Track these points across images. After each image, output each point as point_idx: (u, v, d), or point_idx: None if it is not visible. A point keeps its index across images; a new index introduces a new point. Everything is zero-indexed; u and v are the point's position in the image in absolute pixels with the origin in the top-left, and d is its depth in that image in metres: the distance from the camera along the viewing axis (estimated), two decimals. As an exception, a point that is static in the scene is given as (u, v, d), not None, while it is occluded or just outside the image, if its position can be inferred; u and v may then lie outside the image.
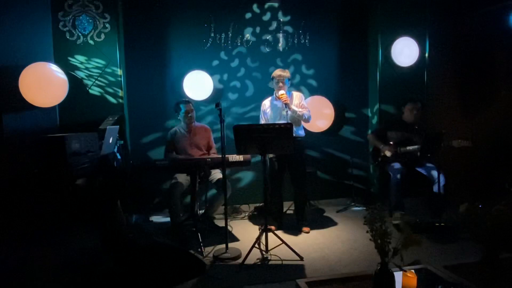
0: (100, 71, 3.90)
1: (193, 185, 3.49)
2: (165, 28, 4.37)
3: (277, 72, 3.67)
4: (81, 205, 2.98)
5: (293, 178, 3.79)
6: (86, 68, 3.89)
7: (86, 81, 3.89)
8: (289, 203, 4.25)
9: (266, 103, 3.87)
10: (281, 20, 4.63)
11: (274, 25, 4.63)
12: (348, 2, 4.79)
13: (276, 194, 3.81)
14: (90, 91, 3.89)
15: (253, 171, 4.64)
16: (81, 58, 3.87)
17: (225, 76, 4.57)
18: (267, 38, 4.62)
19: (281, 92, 3.58)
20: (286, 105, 3.53)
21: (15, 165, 3.38)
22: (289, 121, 3.62)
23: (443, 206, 3.65)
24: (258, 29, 4.58)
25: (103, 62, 3.91)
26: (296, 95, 3.81)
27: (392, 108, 4.67)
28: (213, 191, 4.02)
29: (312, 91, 4.74)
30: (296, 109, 3.63)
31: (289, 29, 4.66)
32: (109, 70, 3.92)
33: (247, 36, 4.56)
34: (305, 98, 3.98)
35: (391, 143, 3.94)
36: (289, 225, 3.86)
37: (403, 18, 4.65)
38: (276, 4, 4.58)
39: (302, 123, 3.79)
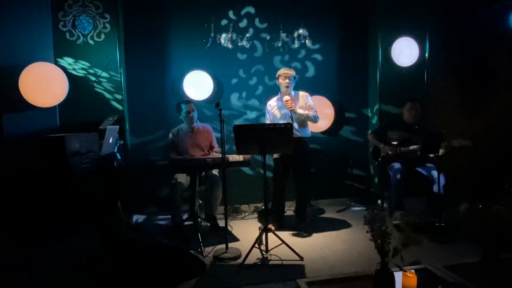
0: (100, 71, 3.90)
1: (193, 185, 3.49)
2: (165, 28, 4.37)
3: (283, 71, 3.67)
4: (81, 205, 2.98)
5: (297, 179, 3.79)
6: (86, 68, 3.89)
7: (86, 81, 3.88)
8: (289, 203, 4.26)
9: (272, 102, 3.87)
10: (280, 20, 4.62)
11: (272, 25, 4.62)
12: (348, 2, 4.79)
13: (279, 194, 3.81)
14: (90, 91, 3.89)
15: (253, 171, 4.64)
16: (81, 58, 3.87)
17: (225, 76, 4.57)
18: (267, 38, 4.61)
19: (286, 98, 3.58)
20: (291, 111, 3.53)
21: (15, 165, 3.38)
22: (295, 122, 3.64)
23: (443, 206, 3.65)
24: (257, 29, 4.58)
25: (103, 62, 3.90)
26: (302, 95, 3.80)
27: (392, 108, 4.66)
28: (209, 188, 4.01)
29: (312, 91, 4.74)
30: (301, 111, 3.63)
31: (289, 29, 4.66)
32: (109, 70, 3.92)
33: (248, 36, 4.55)
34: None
35: (396, 143, 3.93)
36: (289, 225, 3.86)
37: (403, 18, 4.65)
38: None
39: (309, 123, 3.79)
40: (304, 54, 4.74)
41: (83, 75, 3.88)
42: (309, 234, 3.65)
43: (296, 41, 4.68)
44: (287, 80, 3.64)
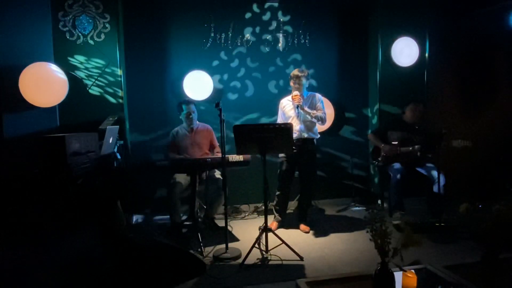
0: (100, 71, 3.90)
1: (193, 185, 3.49)
2: (165, 28, 4.37)
3: (295, 72, 3.71)
4: (81, 205, 2.98)
5: (302, 179, 3.81)
6: (86, 68, 3.89)
7: (86, 81, 3.88)
8: (291, 203, 4.25)
9: (284, 102, 3.90)
10: (281, 20, 4.62)
11: (274, 24, 4.62)
12: (348, 2, 4.79)
13: (283, 194, 3.82)
14: (90, 91, 3.89)
15: (253, 171, 4.64)
16: (81, 58, 3.87)
17: (225, 76, 4.57)
18: (267, 38, 4.61)
19: (295, 93, 3.62)
20: (298, 106, 3.56)
21: (15, 165, 3.37)
22: (302, 122, 3.67)
23: (443, 206, 3.64)
24: (258, 29, 4.58)
25: (103, 62, 3.91)
26: (314, 96, 3.82)
27: (392, 108, 4.66)
28: (213, 191, 4.02)
29: (312, 91, 4.74)
30: (309, 110, 3.65)
31: (289, 29, 4.66)
32: (109, 70, 3.92)
33: (247, 36, 4.56)
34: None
35: (396, 142, 3.92)
36: (289, 224, 3.86)
37: (403, 18, 4.65)
38: (276, 4, 4.57)
39: (317, 125, 3.81)
40: (304, 54, 4.74)
41: (83, 75, 3.88)
42: (309, 234, 3.66)
43: (296, 40, 4.68)
44: (296, 85, 3.66)
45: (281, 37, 4.65)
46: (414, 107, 4.00)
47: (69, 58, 3.84)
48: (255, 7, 4.55)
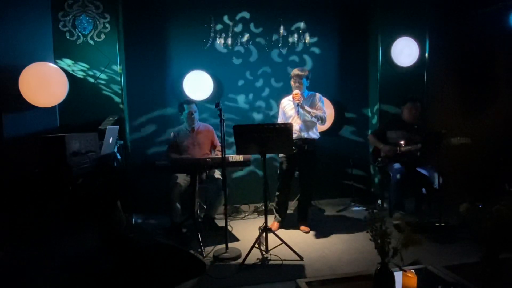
0: (100, 71, 3.90)
1: (193, 185, 3.49)
2: (165, 28, 4.37)
3: (295, 71, 3.71)
4: (81, 205, 2.98)
5: (302, 179, 3.81)
6: (86, 68, 3.89)
7: (86, 81, 3.88)
8: (291, 203, 4.25)
9: (284, 101, 3.90)
10: (280, 20, 4.62)
11: (273, 24, 4.62)
12: (348, 2, 4.79)
13: (283, 194, 3.82)
14: (90, 91, 3.89)
15: (253, 171, 4.64)
16: (80, 58, 3.87)
17: (226, 76, 4.58)
18: (267, 37, 4.61)
19: (296, 91, 3.62)
20: (298, 105, 3.57)
21: (15, 165, 3.37)
22: (302, 122, 3.67)
23: (441, 206, 3.64)
24: (258, 29, 4.58)
25: (103, 62, 3.90)
26: (314, 96, 3.82)
27: (392, 108, 4.66)
28: (213, 191, 4.02)
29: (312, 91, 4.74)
30: (309, 109, 3.65)
31: (289, 28, 4.65)
32: (109, 70, 3.92)
33: (247, 36, 4.55)
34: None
35: (402, 142, 3.91)
36: (289, 224, 3.86)
37: (403, 18, 4.65)
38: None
39: (317, 125, 3.81)
40: (304, 54, 4.74)
41: (83, 75, 3.88)
42: (309, 234, 3.66)
43: (296, 41, 4.67)
44: (297, 84, 3.67)
45: (280, 36, 4.64)
46: (411, 106, 4.01)
47: (69, 60, 3.84)
48: (254, 8, 4.54)
